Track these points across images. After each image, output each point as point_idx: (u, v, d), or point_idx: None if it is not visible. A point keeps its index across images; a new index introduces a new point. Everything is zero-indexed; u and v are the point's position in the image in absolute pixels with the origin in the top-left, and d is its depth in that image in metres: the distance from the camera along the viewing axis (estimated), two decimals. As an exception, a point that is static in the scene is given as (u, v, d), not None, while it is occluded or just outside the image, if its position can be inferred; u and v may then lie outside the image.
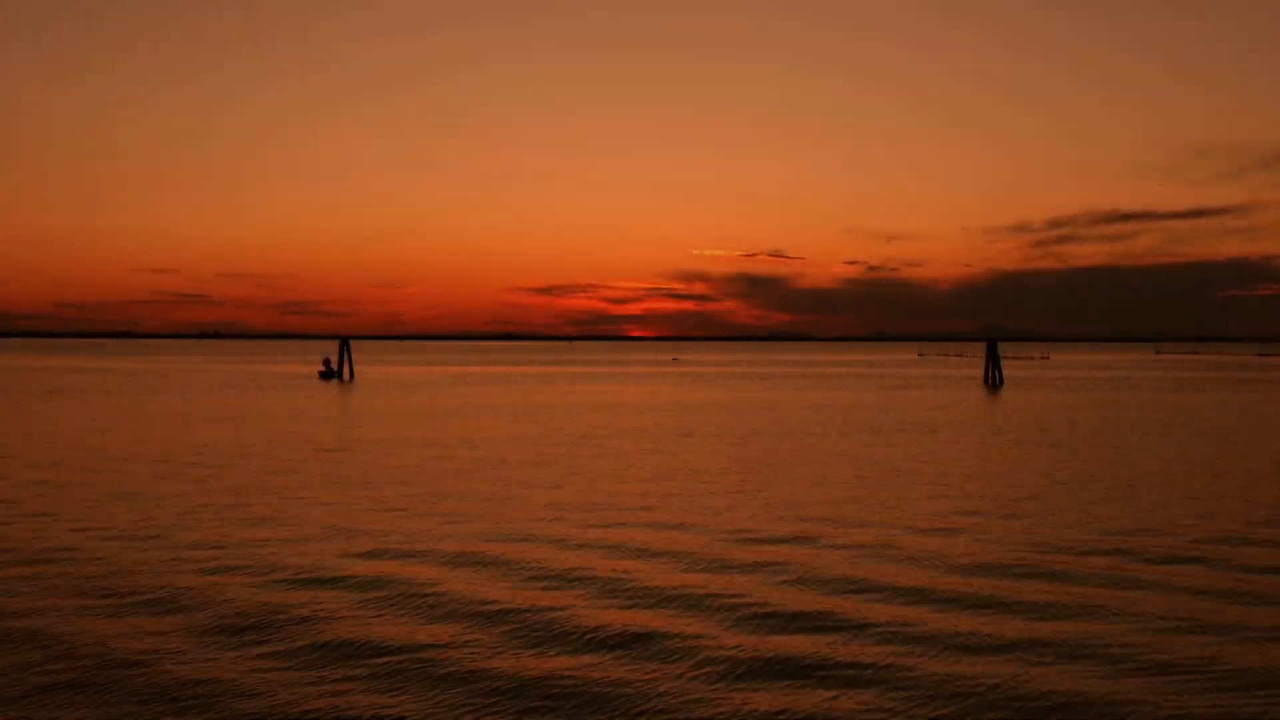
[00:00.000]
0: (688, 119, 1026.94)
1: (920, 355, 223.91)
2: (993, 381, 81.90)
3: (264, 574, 15.32)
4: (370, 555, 16.66)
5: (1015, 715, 9.98)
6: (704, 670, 11.18)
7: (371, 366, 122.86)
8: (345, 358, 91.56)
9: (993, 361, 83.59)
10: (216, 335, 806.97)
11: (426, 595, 14.17)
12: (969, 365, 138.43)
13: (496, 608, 13.56)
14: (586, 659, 11.57)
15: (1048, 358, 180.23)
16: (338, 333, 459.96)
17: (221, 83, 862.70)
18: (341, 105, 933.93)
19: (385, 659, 11.52)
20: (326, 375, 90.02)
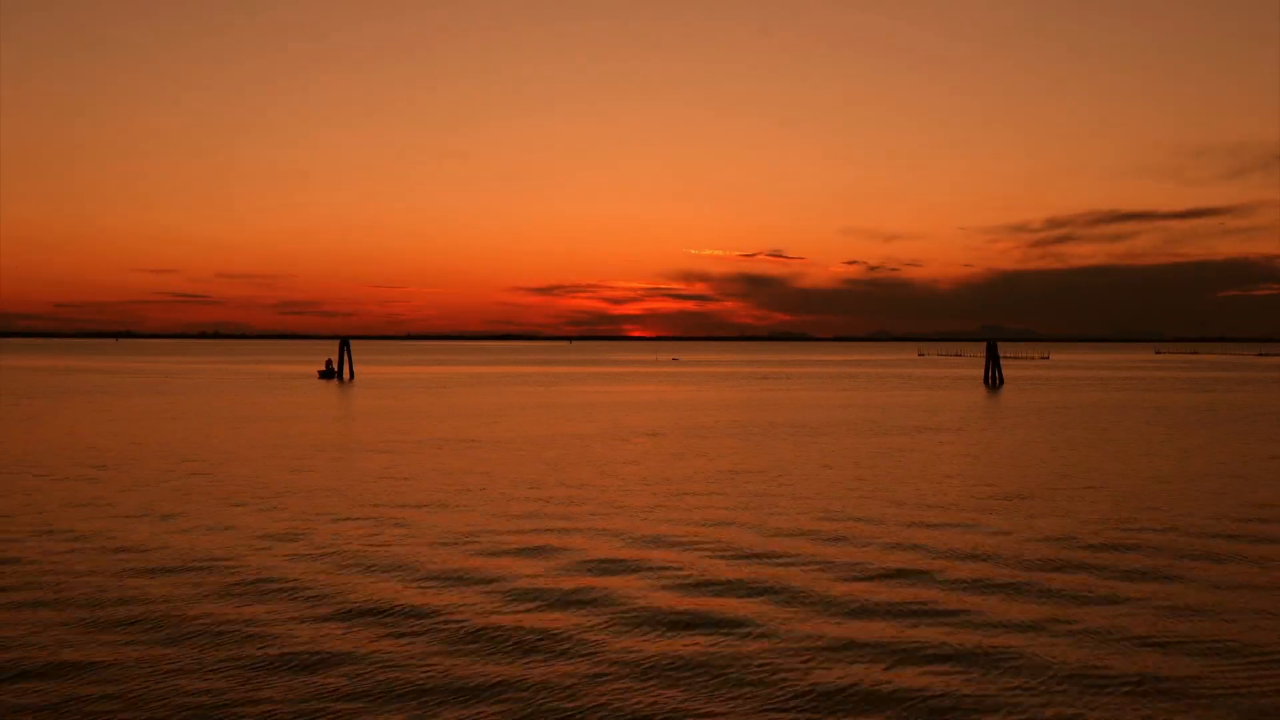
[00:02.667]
0: (688, 120, 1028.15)
1: (920, 355, 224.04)
2: (993, 381, 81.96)
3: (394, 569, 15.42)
4: (524, 551, 16.84)
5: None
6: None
7: (373, 366, 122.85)
8: (345, 358, 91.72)
9: (993, 361, 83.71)
10: (216, 335, 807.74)
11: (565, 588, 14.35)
12: (969, 365, 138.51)
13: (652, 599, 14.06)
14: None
15: (1048, 358, 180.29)
16: (337, 333, 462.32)
17: (221, 84, 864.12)
18: (341, 106, 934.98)
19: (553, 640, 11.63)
20: (326, 375, 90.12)
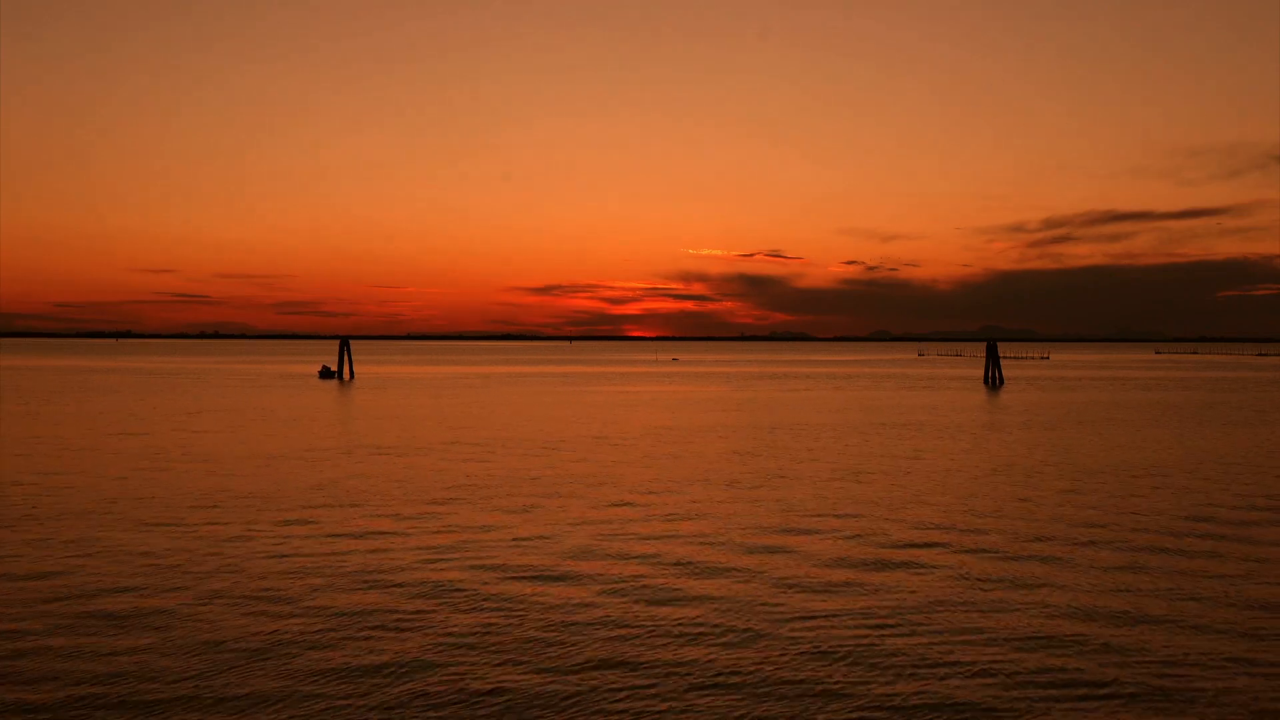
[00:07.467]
0: (687, 121, 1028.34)
1: (920, 355, 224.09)
2: (993, 382, 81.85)
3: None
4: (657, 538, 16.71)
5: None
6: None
7: (373, 366, 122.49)
8: (345, 358, 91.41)
9: (993, 361, 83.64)
10: (216, 335, 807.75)
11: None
12: (969, 365, 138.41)
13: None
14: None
15: (1048, 358, 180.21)
16: (337, 333, 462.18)
17: (222, 86, 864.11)
18: (343, 110, 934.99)
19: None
20: (325, 375, 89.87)
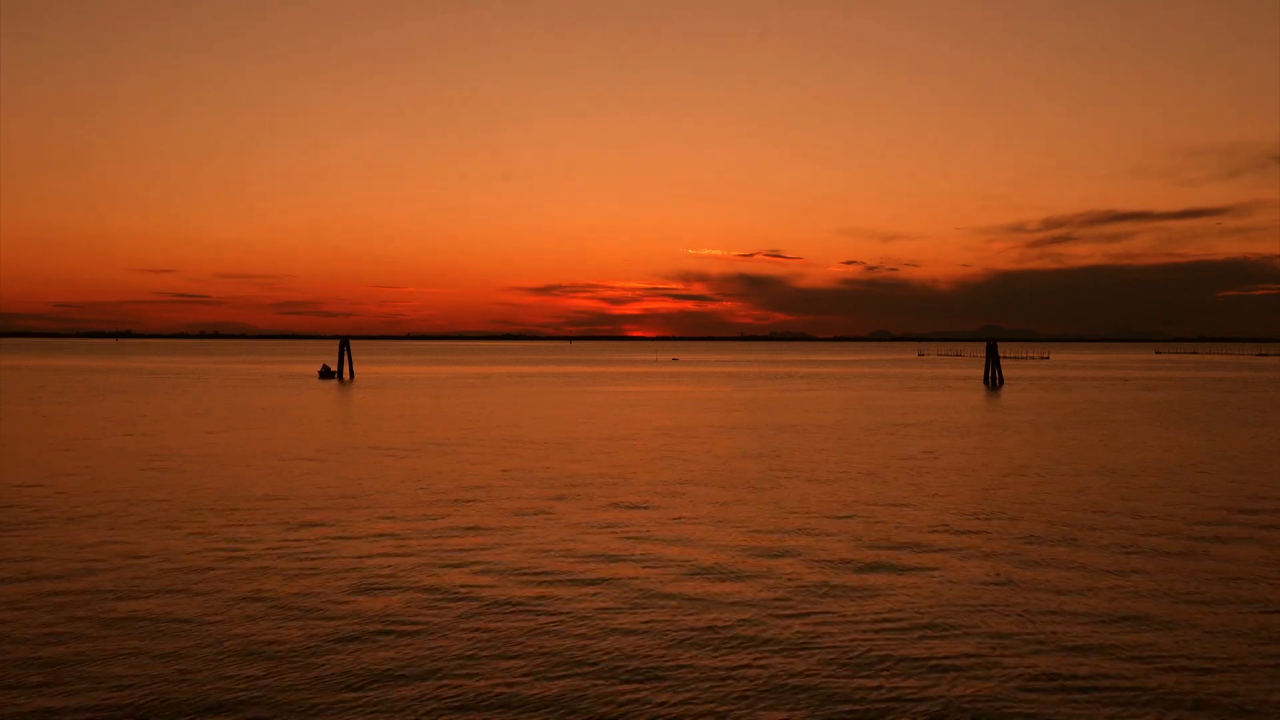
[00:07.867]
0: (686, 121, 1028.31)
1: (920, 355, 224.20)
2: (993, 382, 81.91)
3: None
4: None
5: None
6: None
7: (373, 366, 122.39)
8: (345, 358, 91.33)
9: (993, 361, 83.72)
10: (216, 335, 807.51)
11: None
12: (969, 365, 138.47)
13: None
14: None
15: (1048, 358, 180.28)
16: (337, 333, 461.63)
17: (222, 86, 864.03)
18: (343, 111, 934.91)
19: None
20: (326, 375, 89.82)
